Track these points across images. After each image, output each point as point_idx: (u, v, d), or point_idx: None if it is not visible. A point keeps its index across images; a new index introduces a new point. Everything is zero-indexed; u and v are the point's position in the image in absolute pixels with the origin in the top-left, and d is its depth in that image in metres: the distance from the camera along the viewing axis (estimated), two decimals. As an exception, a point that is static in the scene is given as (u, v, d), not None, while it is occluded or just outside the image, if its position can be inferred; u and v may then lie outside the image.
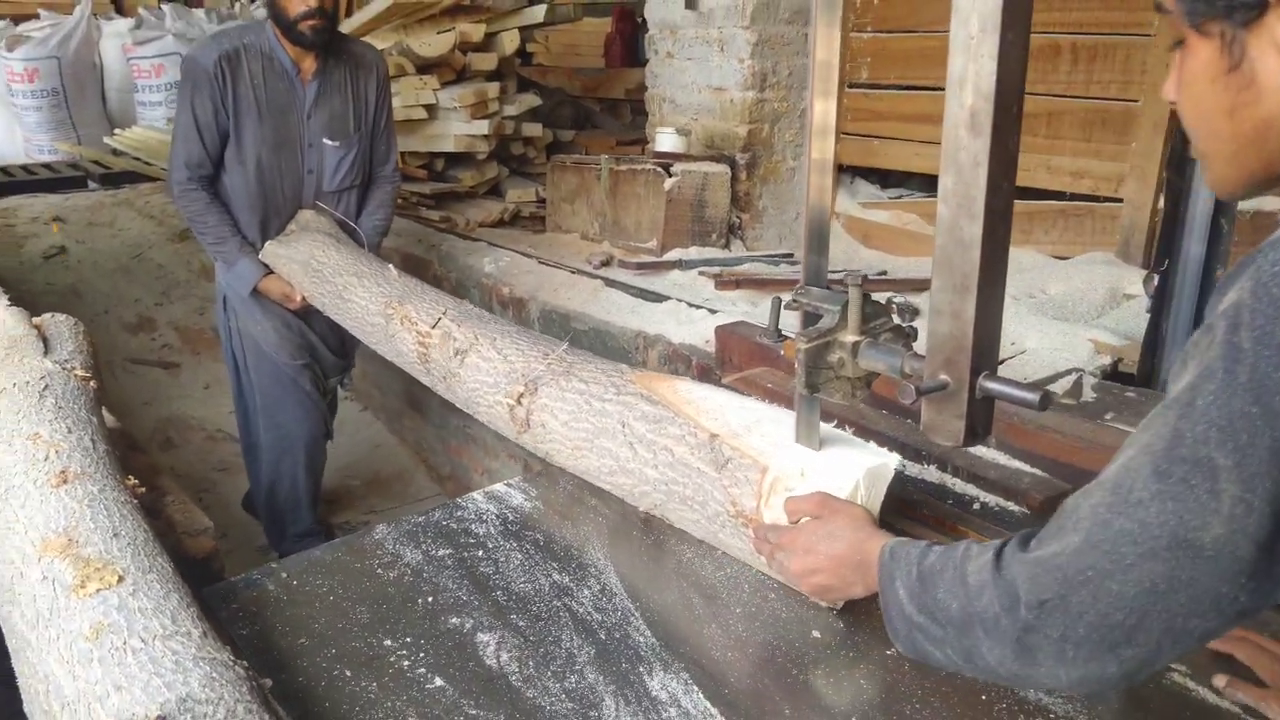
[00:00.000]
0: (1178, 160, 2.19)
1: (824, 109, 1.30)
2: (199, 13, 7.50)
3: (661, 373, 1.72)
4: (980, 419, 1.13)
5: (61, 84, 6.72)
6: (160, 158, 5.78)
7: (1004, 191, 1.06)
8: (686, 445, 1.46)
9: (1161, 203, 2.36)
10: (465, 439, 4.00)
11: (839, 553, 1.22)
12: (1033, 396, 1.07)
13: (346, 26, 4.29)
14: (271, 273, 2.89)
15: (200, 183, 2.79)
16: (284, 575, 1.42)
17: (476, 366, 1.87)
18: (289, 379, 3.12)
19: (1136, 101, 3.13)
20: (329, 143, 2.90)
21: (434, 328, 2.05)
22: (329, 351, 3.17)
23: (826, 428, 1.40)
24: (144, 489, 1.43)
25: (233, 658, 0.99)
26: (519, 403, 1.72)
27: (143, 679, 0.91)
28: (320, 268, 2.71)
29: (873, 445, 1.41)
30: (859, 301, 1.23)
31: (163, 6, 7.30)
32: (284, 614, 1.33)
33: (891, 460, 1.36)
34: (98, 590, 1.05)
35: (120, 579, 1.07)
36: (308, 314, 3.00)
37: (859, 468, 1.32)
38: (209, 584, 1.40)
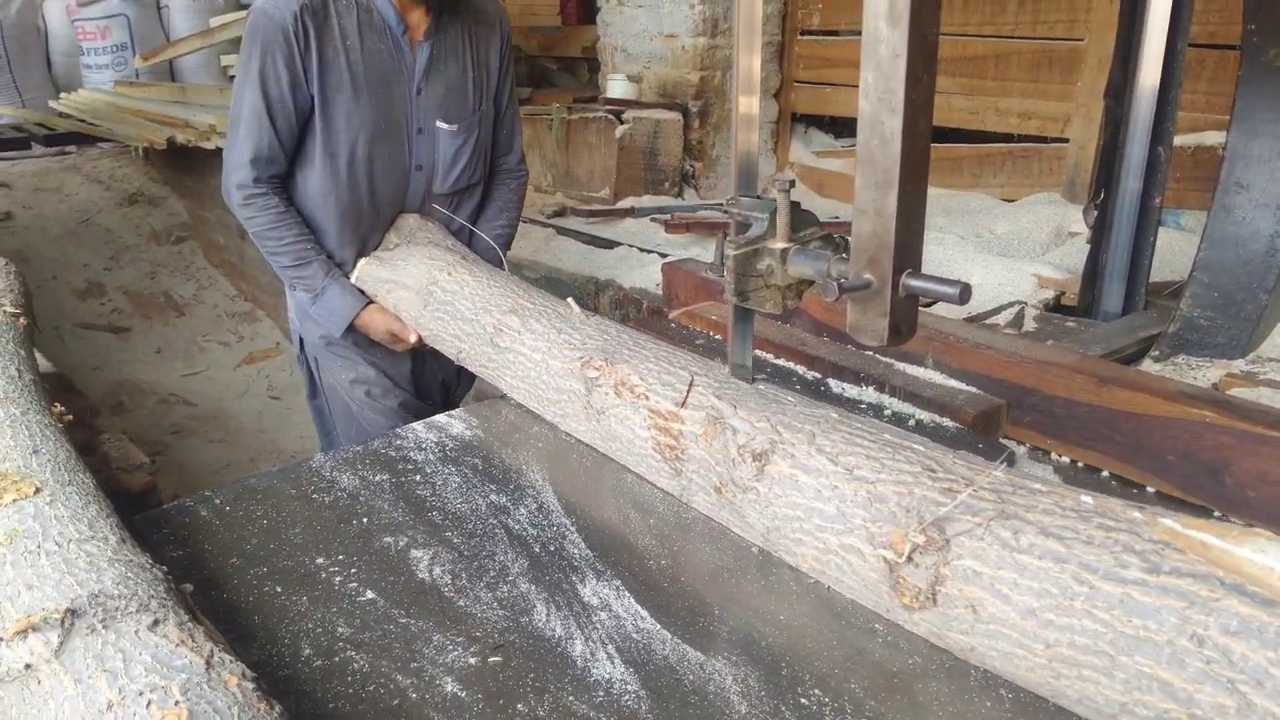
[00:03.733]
0: (1116, 89, 2.19)
1: (748, 65, 1.31)
2: (145, -27, 7.29)
3: (1217, 521, 1.06)
4: (904, 317, 1.14)
5: (4, 47, 6.56)
6: (107, 119, 5.64)
7: (924, 84, 1.05)
8: None
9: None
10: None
11: None
12: (953, 290, 1.07)
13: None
14: (372, 303, 2.07)
15: (270, 185, 1.98)
16: (217, 502, 1.41)
17: (793, 483, 1.20)
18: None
19: (1082, 40, 3.15)
20: (444, 127, 2.08)
21: (683, 406, 1.36)
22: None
23: None
24: (71, 417, 1.41)
25: (151, 561, 0.98)
26: (910, 560, 1.08)
27: (54, 578, 0.90)
28: (450, 299, 1.87)
29: None
30: (786, 207, 1.23)
31: (107, -33, 7.09)
32: (215, 537, 1.32)
33: None
34: (14, 501, 1.03)
35: (38, 490, 1.06)
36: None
37: None
38: (144, 516, 1.39)
